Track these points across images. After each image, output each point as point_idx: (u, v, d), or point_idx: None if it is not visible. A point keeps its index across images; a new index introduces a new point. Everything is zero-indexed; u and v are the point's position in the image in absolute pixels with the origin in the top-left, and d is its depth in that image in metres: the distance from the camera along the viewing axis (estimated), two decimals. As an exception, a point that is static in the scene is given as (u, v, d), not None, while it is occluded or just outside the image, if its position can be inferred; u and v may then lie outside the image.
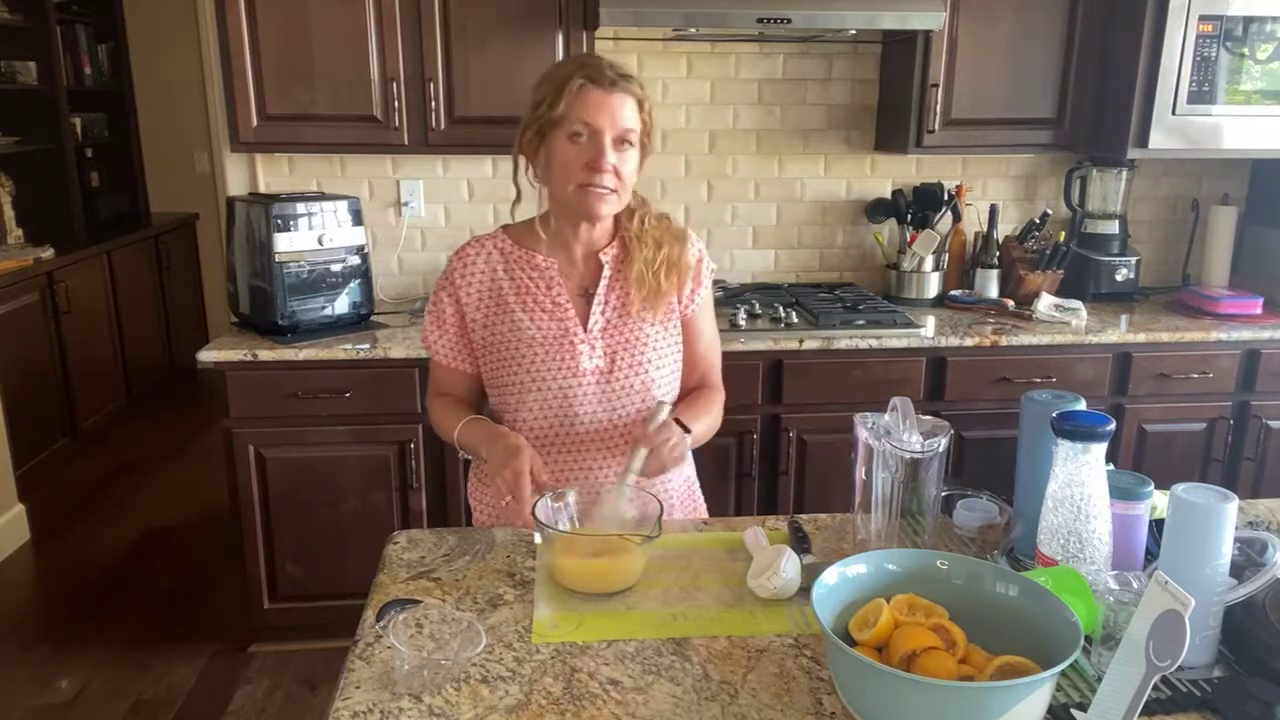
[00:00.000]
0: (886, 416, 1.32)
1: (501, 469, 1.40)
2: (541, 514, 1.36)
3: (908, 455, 1.29)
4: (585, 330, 1.54)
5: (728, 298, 2.94)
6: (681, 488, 1.71)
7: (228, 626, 2.87)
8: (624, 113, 1.43)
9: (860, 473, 1.34)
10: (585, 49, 2.68)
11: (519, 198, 1.53)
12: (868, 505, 1.34)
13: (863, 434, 1.33)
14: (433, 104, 2.68)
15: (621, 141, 1.44)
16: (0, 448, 3.41)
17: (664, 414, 1.44)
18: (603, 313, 1.55)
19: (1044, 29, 2.82)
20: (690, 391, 1.67)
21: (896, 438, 1.29)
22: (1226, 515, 1.09)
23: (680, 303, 1.61)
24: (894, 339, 2.68)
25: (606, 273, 1.55)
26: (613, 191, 1.46)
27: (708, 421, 1.63)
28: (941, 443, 1.30)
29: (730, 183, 3.17)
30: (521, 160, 1.51)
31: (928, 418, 1.34)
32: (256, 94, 2.63)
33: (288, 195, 2.66)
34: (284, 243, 2.56)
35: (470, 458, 1.60)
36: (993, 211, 3.11)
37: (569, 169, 1.44)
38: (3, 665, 2.77)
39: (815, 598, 1.07)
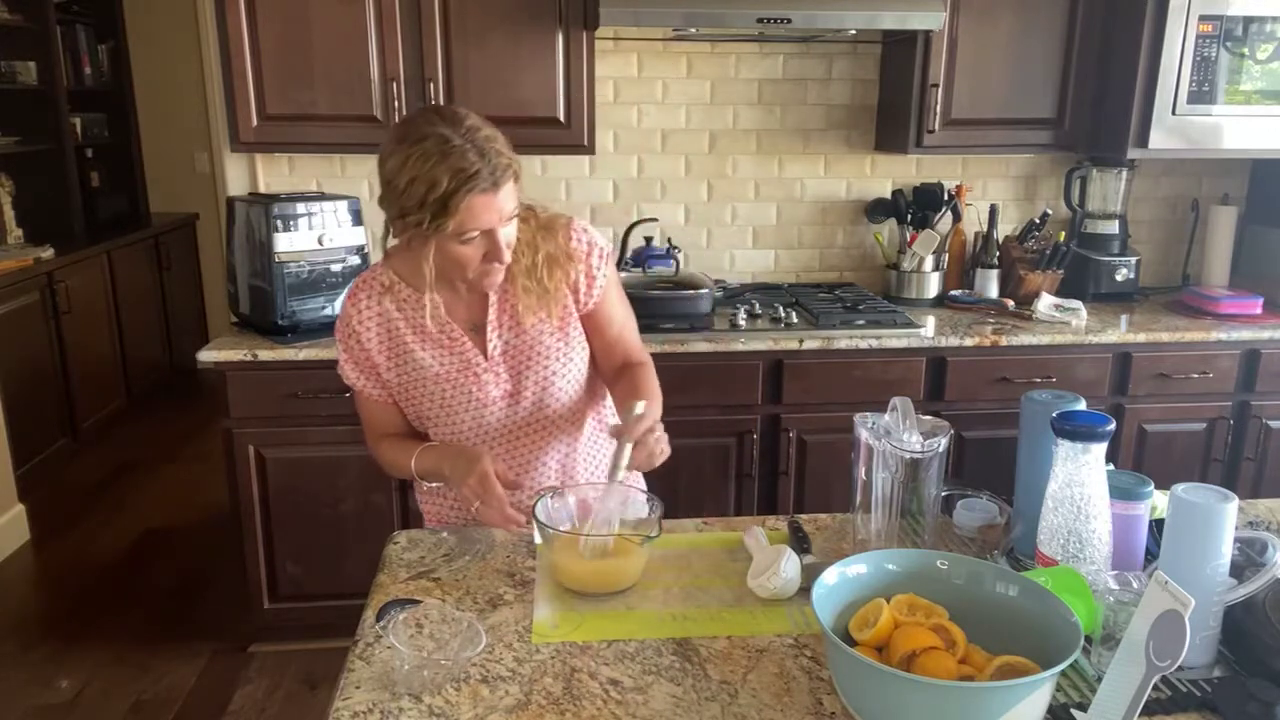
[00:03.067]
0: (886, 416, 1.32)
1: (466, 478, 1.41)
2: (541, 514, 1.36)
3: (908, 455, 1.29)
4: (486, 358, 1.52)
5: (728, 298, 2.95)
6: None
7: (228, 626, 2.87)
8: (509, 200, 1.36)
9: (860, 473, 1.34)
10: (585, 49, 2.68)
11: (386, 249, 1.50)
12: (868, 505, 1.34)
13: (863, 434, 1.33)
14: (433, 104, 2.68)
15: (509, 220, 1.39)
16: (0, 448, 3.41)
17: (639, 408, 1.43)
18: (499, 337, 1.52)
19: (1044, 29, 2.82)
20: (619, 374, 1.60)
21: (896, 438, 1.29)
22: (1226, 515, 1.09)
23: (578, 302, 1.55)
24: (894, 339, 2.68)
25: (493, 300, 1.51)
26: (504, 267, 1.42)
27: (658, 398, 1.56)
28: (941, 443, 1.30)
29: (730, 183, 3.17)
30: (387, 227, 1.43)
31: (928, 418, 1.34)
32: (256, 94, 2.63)
33: (288, 195, 2.66)
34: (284, 243, 2.55)
35: (433, 484, 1.58)
36: (993, 211, 3.11)
37: (466, 263, 1.38)
38: (3, 665, 2.77)
39: (815, 598, 1.07)
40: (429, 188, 1.28)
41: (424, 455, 1.51)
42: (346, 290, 1.55)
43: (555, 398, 1.56)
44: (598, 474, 1.64)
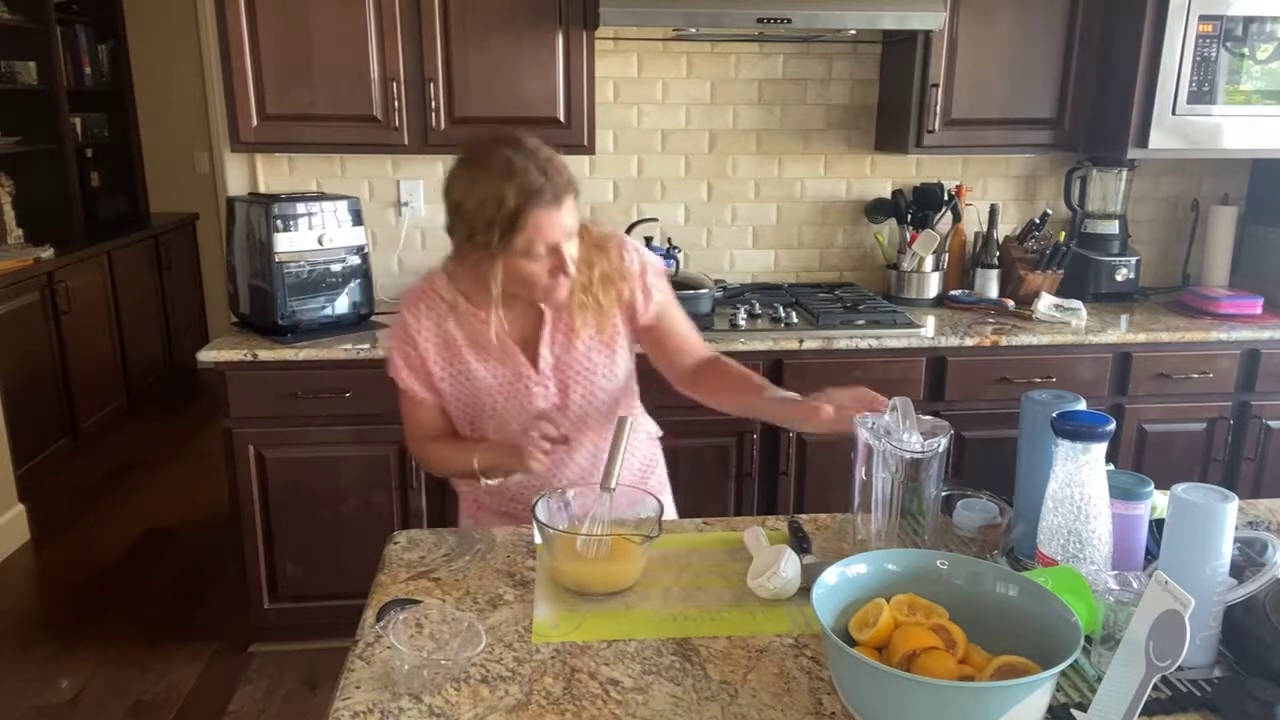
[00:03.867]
0: (886, 416, 1.32)
1: (521, 446, 1.45)
2: (542, 514, 1.36)
3: (907, 455, 1.29)
4: (536, 371, 1.57)
5: (728, 297, 2.95)
6: (641, 459, 1.77)
7: (228, 626, 2.87)
8: (571, 215, 1.43)
9: (860, 472, 1.34)
10: (585, 49, 2.68)
11: (448, 263, 1.56)
12: (868, 505, 1.34)
13: (863, 434, 1.33)
14: (433, 104, 2.68)
15: (571, 236, 1.45)
16: (0, 448, 3.41)
17: (628, 426, 1.46)
18: (551, 351, 1.57)
19: (1044, 29, 2.82)
20: (700, 372, 1.65)
21: (896, 438, 1.29)
22: (1226, 515, 1.09)
23: (635, 318, 1.62)
24: (894, 339, 2.68)
25: (548, 315, 1.56)
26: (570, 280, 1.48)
27: (751, 374, 1.63)
28: (941, 443, 1.30)
29: (730, 183, 3.17)
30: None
31: (928, 418, 1.34)
32: (256, 94, 2.63)
33: (288, 195, 2.65)
34: (284, 243, 2.55)
35: (494, 481, 1.59)
36: (993, 211, 3.11)
37: (534, 279, 1.44)
38: (3, 665, 2.77)
39: (815, 598, 1.07)
40: (498, 205, 1.35)
41: (487, 453, 1.55)
42: (404, 297, 1.59)
43: (596, 406, 1.63)
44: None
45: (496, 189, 1.35)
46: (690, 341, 1.68)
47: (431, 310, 1.56)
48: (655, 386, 1.74)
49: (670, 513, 1.81)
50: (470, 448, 1.58)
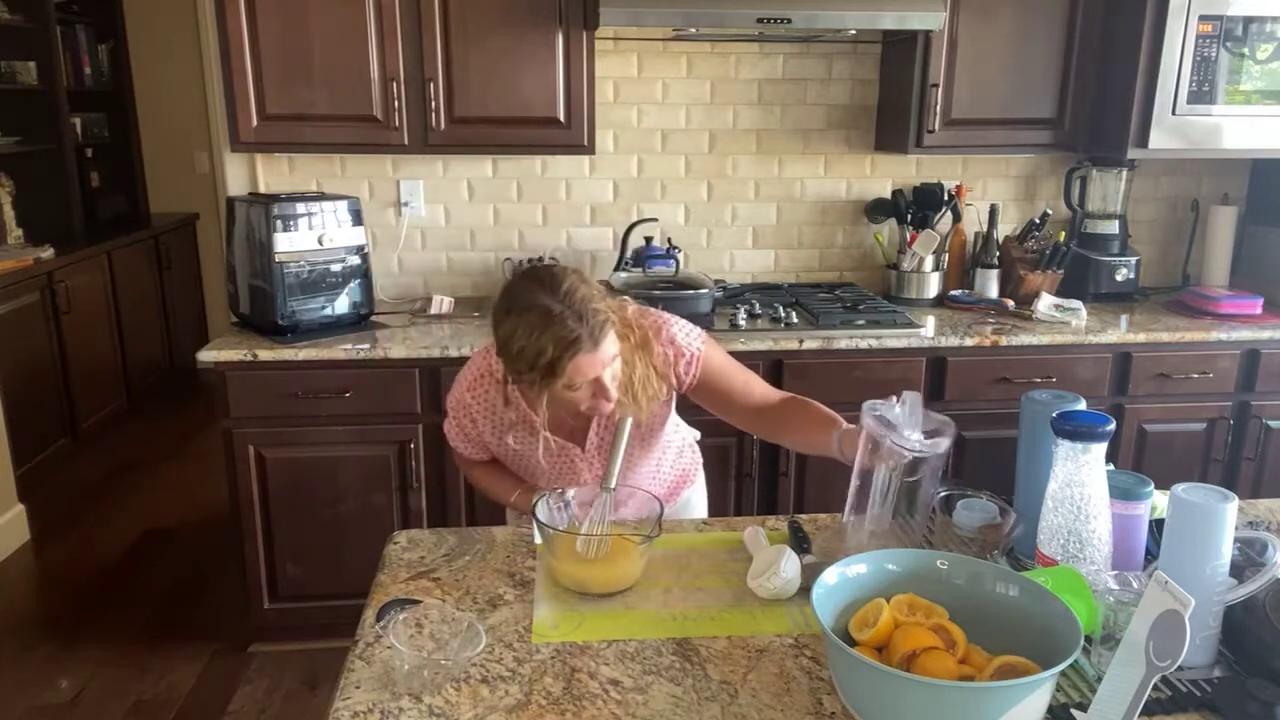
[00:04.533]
0: (897, 408, 1.31)
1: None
2: (542, 515, 1.36)
3: (906, 453, 1.28)
4: (584, 451, 1.66)
5: (728, 298, 2.94)
6: (671, 476, 1.82)
7: (228, 626, 2.87)
8: (610, 349, 1.45)
9: (861, 459, 1.33)
10: (585, 49, 2.68)
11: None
12: (863, 498, 1.33)
13: (868, 422, 1.31)
14: (433, 104, 2.68)
15: (610, 365, 1.48)
16: (0, 448, 3.41)
17: (627, 426, 1.51)
18: (597, 434, 1.65)
19: (1044, 29, 2.82)
20: (775, 414, 1.68)
21: (899, 434, 1.28)
22: (1226, 515, 1.09)
23: (681, 385, 1.66)
24: (894, 339, 2.68)
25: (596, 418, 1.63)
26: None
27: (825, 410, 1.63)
28: (943, 444, 1.29)
29: (730, 183, 3.17)
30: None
31: (938, 415, 1.32)
32: (256, 94, 2.63)
33: (288, 195, 2.65)
34: (284, 243, 2.55)
35: (525, 514, 1.67)
36: (993, 211, 3.11)
37: (577, 403, 1.51)
38: (3, 665, 2.77)
39: (815, 598, 1.07)
40: (537, 355, 1.40)
41: (524, 495, 1.68)
42: (466, 372, 1.66)
43: (640, 478, 1.73)
44: (653, 476, 1.77)
45: (535, 342, 1.40)
46: (751, 388, 1.70)
47: (486, 393, 1.63)
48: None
49: (701, 511, 1.90)
50: (513, 486, 1.71)
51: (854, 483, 1.35)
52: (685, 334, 1.64)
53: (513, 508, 1.72)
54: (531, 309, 1.41)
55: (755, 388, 1.70)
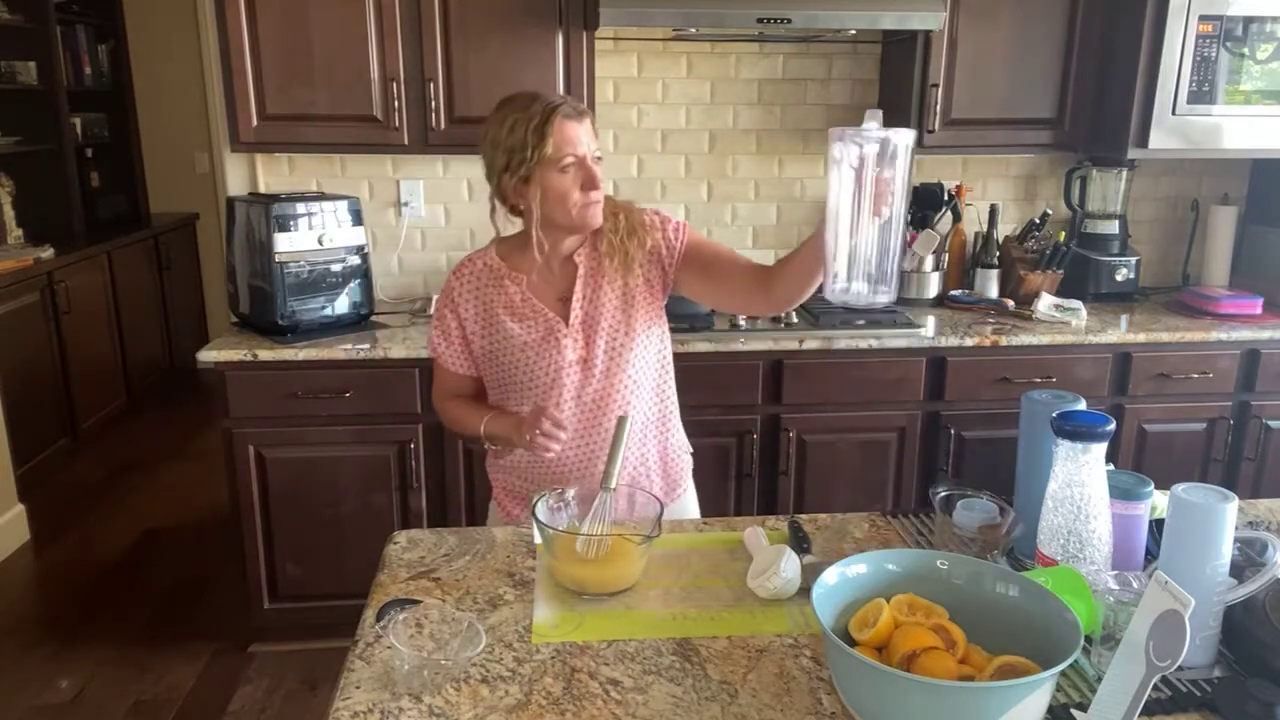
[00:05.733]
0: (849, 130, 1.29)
1: (523, 427, 1.57)
2: (542, 514, 1.36)
3: (872, 139, 1.26)
4: (567, 325, 1.66)
5: (728, 298, 2.94)
6: (657, 461, 1.78)
7: (228, 626, 2.87)
8: (590, 136, 1.60)
9: (832, 180, 1.30)
10: (585, 49, 2.68)
11: (499, 235, 1.70)
12: (841, 225, 1.30)
13: (833, 139, 1.29)
14: (433, 104, 2.68)
15: (595, 159, 1.61)
16: (0, 448, 3.41)
17: (627, 426, 1.50)
18: (580, 306, 1.67)
19: (1044, 29, 2.82)
20: (764, 268, 1.66)
21: (861, 131, 1.27)
22: (1226, 515, 1.09)
23: (669, 251, 1.69)
24: (894, 339, 2.68)
25: (581, 271, 1.67)
26: (601, 201, 1.63)
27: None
28: (905, 132, 1.27)
29: (730, 183, 3.17)
30: (495, 202, 1.67)
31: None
32: (256, 94, 2.63)
33: (288, 195, 2.66)
34: (284, 243, 2.56)
35: (494, 446, 1.75)
36: (993, 211, 3.11)
37: (568, 196, 1.58)
38: (3, 665, 2.77)
39: (815, 598, 1.07)
40: (526, 123, 1.55)
41: (493, 421, 1.68)
42: (454, 268, 1.76)
43: (623, 370, 1.68)
44: (640, 464, 1.74)
45: (524, 110, 1.56)
46: (739, 258, 1.71)
47: (474, 277, 1.71)
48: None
49: (694, 512, 1.86)
50: (483, 412, 1.70)
51: (829, 205, 1.31)
52: (667, 212, 1.74)
53: (485, 438, 1.70)
54: (521, 95, 1.61)
55: (740, 255, 1.73)
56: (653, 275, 1.70)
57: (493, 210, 1.68)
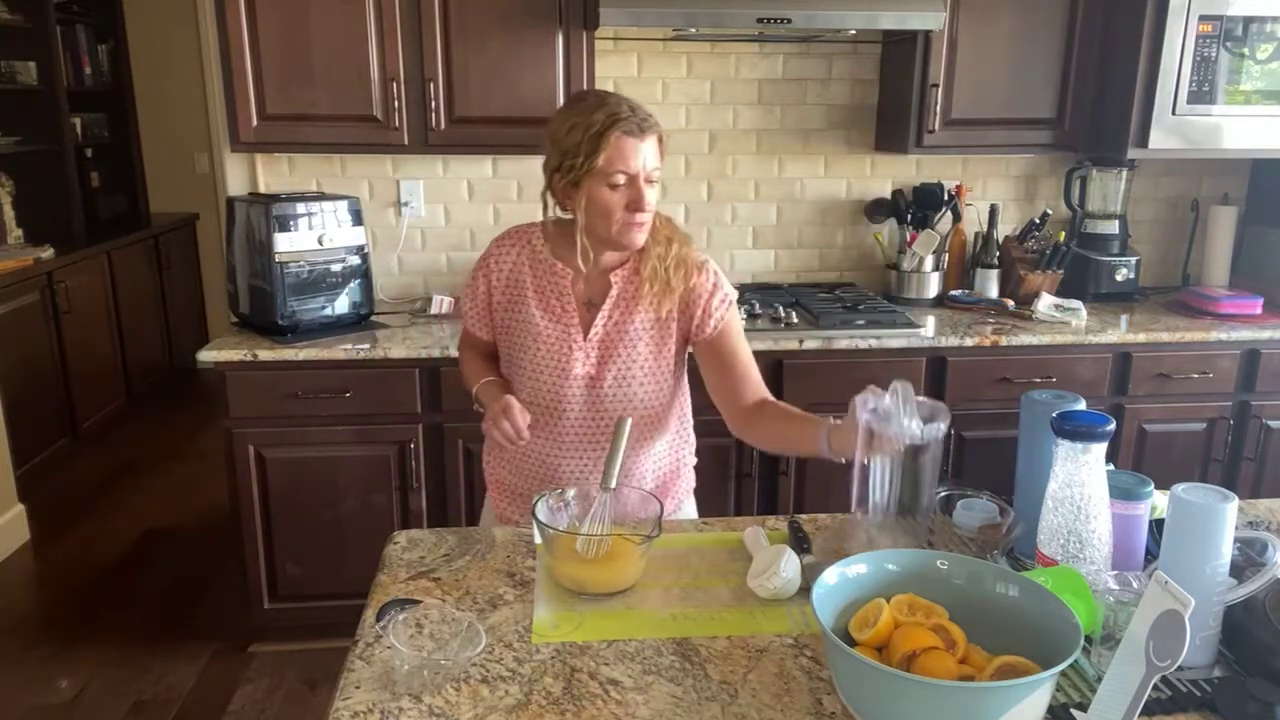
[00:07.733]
0: (887, 399, 1.30)
1: (489, 413, 1.58)
2: (542, 514, 1.36)
3: (906, 440, 1.27)
4: (585, 338, 1.62)
5: (728, 298, 2.94)
6: (664, 468, 1.76)
7: (228, 626, 2.87)
8: (653, 153, 1.53)
9: (860, 457, 1.31)
10: (585, 49, 2.68)
11: (547, 217, 1.63)
12: (865, 497, 1.32)
13: (864, 417, 1.29)
14: (433, 104, 2.68)
15: (650, 180, 1.54)
16: (0, 448, 3.41)
17: (627, 426, 1.47)
18: (604, 325, 1.62)
19: (1044, 29, 2.82)
20: (760, 407, 1.64)
21: (897, 422, 1.27)
22: (1226, 515, 1.09)
23: (697, 326, 1.64)
24: (894, 339, 2.68)
25: (614, 291, 1.62)
26: (647, 224, 1.57)
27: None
28: (940, 428, 1.28)
29: (730, 183, 3.17)
30: (549, 197, 1.60)
31: (925, 399, 1.30)
32: (256, 94, 2.63)
33: (288, 195, 2.66)
34: (284, 243, 2.56)
35: (479, 409, 1.72)
36: (993, 211, 3.11)
37: (611, 212, 1.53)
38: (3, 665, 2.77)
39: (815, 598, 1.07)
40: (585, 129, 1.49)
41: (485, 388, 1.68)
42: (500, 235, 1.72)
43: (630, 400, 1.64)
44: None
45: (587, 115, 1.50)
46: (751, 374, 1.66)
47: (515, 249, 1.67)
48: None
49: (690, 512, 1.84)
50: (483, 374, 1.69)
51: (856, 478, 1.34)
52: (726, 281, 1.67)
53: (475, 398, 1.69)
54: (591, 98, 1.54)
55: (754, 372, 1.68)
56: (680, 321, 1.64)
57: (545, 207, 1.62)
